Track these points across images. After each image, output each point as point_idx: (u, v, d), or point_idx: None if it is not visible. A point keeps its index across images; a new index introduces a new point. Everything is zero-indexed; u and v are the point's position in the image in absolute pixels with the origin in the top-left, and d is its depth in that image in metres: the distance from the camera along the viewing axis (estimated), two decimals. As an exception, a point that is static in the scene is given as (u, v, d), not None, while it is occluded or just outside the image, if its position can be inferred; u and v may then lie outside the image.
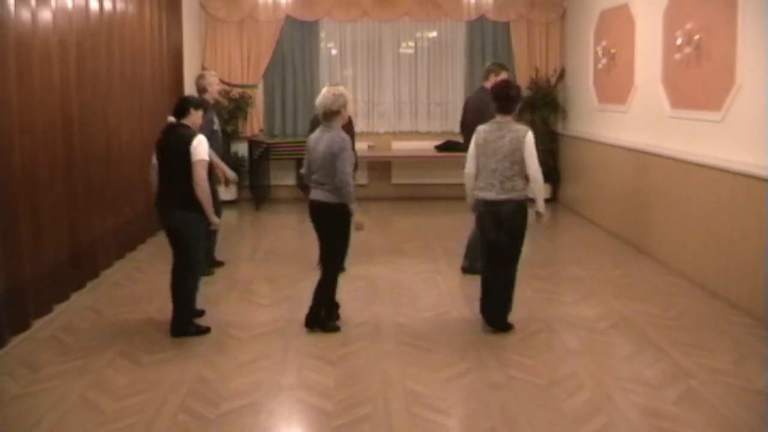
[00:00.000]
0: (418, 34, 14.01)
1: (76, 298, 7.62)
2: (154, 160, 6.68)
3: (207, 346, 6.35)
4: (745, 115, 7.30)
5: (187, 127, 6.57)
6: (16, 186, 6.47)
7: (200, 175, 6.37)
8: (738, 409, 5.09)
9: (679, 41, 8.52)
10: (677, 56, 8.59)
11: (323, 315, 6.75)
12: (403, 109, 13.99)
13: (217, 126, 8.50)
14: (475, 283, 8.09)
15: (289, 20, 13.42)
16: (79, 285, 7.85)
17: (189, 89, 12.18)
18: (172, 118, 6.68)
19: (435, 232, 10.90)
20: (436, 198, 13.52)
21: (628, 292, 7.79)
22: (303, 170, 6.78)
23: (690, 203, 8.23)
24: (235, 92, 13.23)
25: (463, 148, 8.10)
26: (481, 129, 6.66)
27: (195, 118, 6.66)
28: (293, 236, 10.96)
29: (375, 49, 13.89)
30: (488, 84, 8.31)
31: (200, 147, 6.41)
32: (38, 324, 6.81)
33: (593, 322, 6.92)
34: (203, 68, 12.79)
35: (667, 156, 8.80)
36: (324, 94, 6.55)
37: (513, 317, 6.87)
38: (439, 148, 13.60)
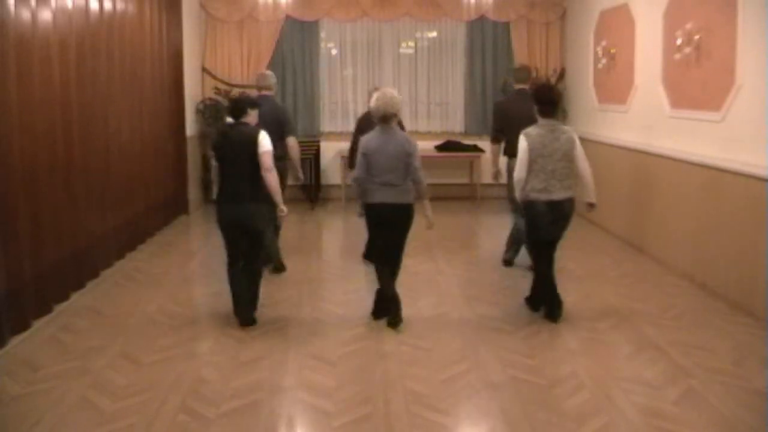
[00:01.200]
0: (418, 34, 14.01)
1: (76, 298, 7.62)
2: (214, 162, 6.85)
3: (207, 346, 6.36)
4: (745, 115, 7.30)
5: (247, 124, 6.83)
6: (16, 186, 6.47)
7: (268, 163, 6.67)
8: (738, 409, 5.10)
9: (679, 41, 8.53)
10: (677, 56, 8.60)
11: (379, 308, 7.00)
12: (403, 109, 13.90)
13: None
14: (475, 283, 8.11)
15: (289, 20, 13.42)
16: (79, 285, 7.85)
17: (189, 89, 12.21)
18: (230, 119, 6.90)
19: (435, 232, 10.82)
20: (437, 198, 13.47)
21: (628, 292, 7.79)
22: (358, 173, 6.70)
23: (690, 203, 8.22)
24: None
25: (509, 153, 8.36)
26: (533, 133, 6.76)
27: (252, 117, 6.92)
28: (293, 236, 10.95)
29: (375, 49, 13.89)
30: (526, 87, 8.57)
31: (266, 139, 6.72)
32: (38, 324, 6.81)
33: (593, 322, 6.92)
34: (211, 71, 12.85)
35: (667, 156, 8.80)
36: (380, 97, 6.61)
37: (513, 318, 6.90)
38: (439, 148, 13.60)
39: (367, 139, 6.69)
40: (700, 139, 8.12)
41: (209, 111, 12.94)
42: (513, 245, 8.83)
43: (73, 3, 7.77)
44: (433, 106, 14.08)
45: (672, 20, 8.83)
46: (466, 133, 13.91)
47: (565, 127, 6.87)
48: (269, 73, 8.98)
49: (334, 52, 13.97)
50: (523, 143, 6.76)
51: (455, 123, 14.01)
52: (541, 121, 6.81)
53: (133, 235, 9.64)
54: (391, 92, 6.67)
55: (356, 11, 13.47)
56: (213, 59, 13.41)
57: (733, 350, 6.25)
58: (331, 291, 7.95)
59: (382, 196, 6.63)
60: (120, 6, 9.20)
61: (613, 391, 5.38)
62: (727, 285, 7.45)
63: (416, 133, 13.93)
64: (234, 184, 6.72)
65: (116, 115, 9.06)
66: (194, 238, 11.08)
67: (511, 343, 6.37)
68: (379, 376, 5.70)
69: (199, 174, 12.93)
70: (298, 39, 13.60)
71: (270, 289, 7.99)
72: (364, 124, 8.74)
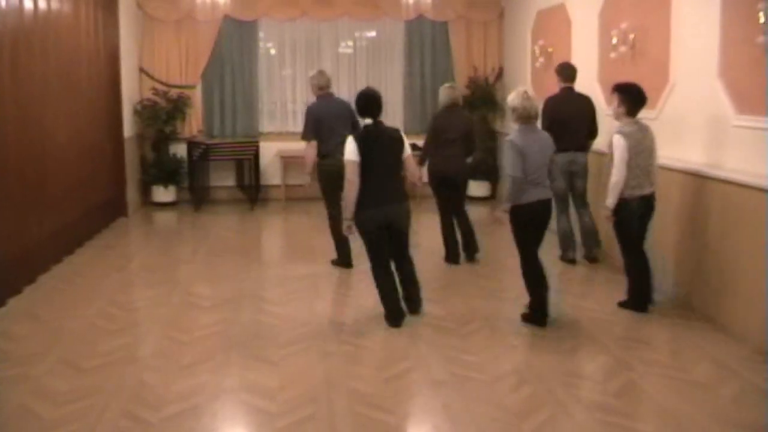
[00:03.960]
0: (357, 34, 14.01)
1: (13, 303, 7.46)
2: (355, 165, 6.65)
3: (148, 349, 6.29)
4: (678, 112, 7.46)
5: (383, 122, 6.93)
6: (-51, 190, 6.35)
7: (414, 167, 7.14)
8: (676, 400, 5.21)
9: (614, 40, 8.66)
10: (613, 55, 8.73)
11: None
12: (343, 109, 13.97)
13: None
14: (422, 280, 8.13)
15: (228, 20, 13.31)
16: (16, 290, 7.69)
17: (126, 90, 12.05)
18: (368, 121, 6.82)
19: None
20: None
21: (567, 287, 7.89)
22: (519, 174, 6.63)
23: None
24: (173, 93, 13.08)
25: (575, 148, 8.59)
26: (629, 131, 6.85)
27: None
28: (234, 237, 10.90)
29: (314, 48, 13.85)
30: (573, 85, 8.73)
31: (406, 140, 6.94)
32: (-26, 331, 6.69)
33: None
34: (149, 71, 12.77)
35: (602, 153, 8.91)
36: (526, 97, 6.76)
37: (455, 316, 6.95)
38: (380, 147, 13.62)
39: (519, 140, 6.66)
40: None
41: (147, 112, 12.80)
42: (571, 243, 8.92)
43: (7, 2, 7.62)
44: (373, 106, 14.07)
45: (607, 20, 8.97)
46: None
47: (646, 124, 7.00)
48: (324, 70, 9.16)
49: (273, 52, 13.91)
50: (622, 142, 6.82)
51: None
52: (628, 120, 6.90)
53: (70, 238, 9.49)
54: (531, 91, 6.84)
55: (295, 11, 13.42)
56: (150, 59, 13.24)
57: (671, 343, 6.39)
58: (272, 291, 7.92)
59: (537, 194, 6.65)
60: (55, 5, 9.05)
61: (555, 386, 5.45)
62: (665, 277, 7.58)
63: (356, 132, 13.93)
64: (386, 186, 6.71)
65: (52, 115, 8.91)
66: (134, 240, 10.96)
67: (453, 341, 6.42)
68: (322, 376, 5.70)
69: (137, 176, 12.79)
70: (236, 39, 13.51)
71: (210, 291, 7.95)
72: (443, 122, 8.77)
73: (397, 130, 6.94)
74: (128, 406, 5.18)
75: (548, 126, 8.54)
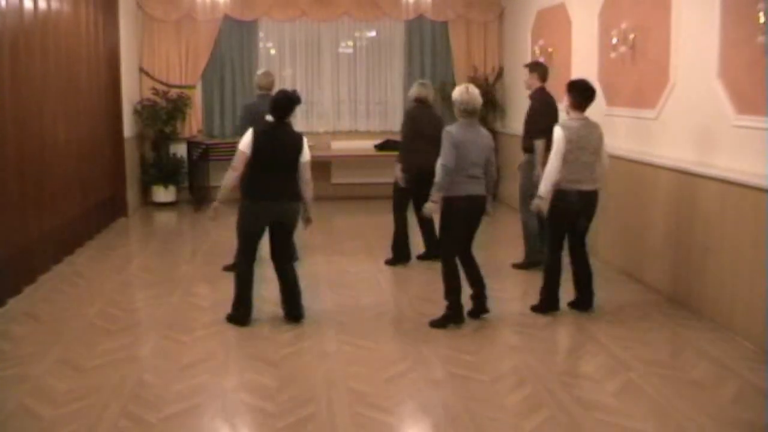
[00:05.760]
0: (357, 34, 14.03)
1: (12, 304, 7.45)
2: (243, 159, 6.73)
3: (148, 349, 6.30)
4: (678, 112, 7.46)
5: (290, 125, 6.97)
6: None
7: (309, 175, 6.94)
8: (675, 400, 5.21)
9: (614, 40, 8.66)
10: (613, 55, 8.73)
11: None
12: (342, 109, 13.99)
13: None
14: (415, 281, 8.14)
15: (228, 20, 13.32)
16: (16, 290, 7.68)
17: (126, 90, 12.04)
18: (269, 118, 6.85)
19: (375, 231, 10.90)
20: (376, 197, 13.50)
21: (566, 287, 7.87)
22: (451, 163, 6.59)
23: (625, 198, 8.34)
24: (173, 93, 13.07)
25: (527, 148, 8.67)
26: (573, 126, 6.88)
27: (294, 116, 7.05)
28: (233, 237, 10.86)
29: (314, 48, 13.86)
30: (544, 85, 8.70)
31: (306, 147, 6.92)
32: (-26, 331, 6.68)
33: (533, 317, 6.99)
34: (149, 71, 12.78)
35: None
36: (470, 91, 6.80)
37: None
38: (379, 147, 13.63)
39: (457, 132, 6.69)
40: (636, 137, 8.26)
41: (147, 112, 12.81)
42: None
43: (7, 2, 7.62)
44: (372, 106, 14.10)
45: (607, 20, 8.97)
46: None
47: (596, 122, 7.02)
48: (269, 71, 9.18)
49: (273, 52, 13.91)
50: (560, 134, 6.85)
51: (395, 122, 14.00)
52: (577, 114, 6.93)
53: (71, 238, 9.48)
54: (475, 88, 6.89)
55: (295, 11, 13.43)
56: (151, 59, 13.25)
57: (670, 342, 6.40)
58: (271, 291, 7.90)
59: (473, 189, 6.73)
60: (55, 5, 9.04)
61: (553, 386, 5.45)
62: (662, 279, 7.59)
63: (356, 132, 13.99)
64: (276, 184, 6.70)
65: (51, 115, 8.90)
66: (134, 240, 10.96)
67: (452, 341, 6.42)
68: (322, 376, 5.70)
69: (137, 176, 12.79)
70: (236, 39, 13.52)
71: (210, 291, 7.96)
72: (421, 117, 8.78)
73: (300, 136, 6.89)
74: (128, 405, 5.18)
75: (538, 129, 8.51)
